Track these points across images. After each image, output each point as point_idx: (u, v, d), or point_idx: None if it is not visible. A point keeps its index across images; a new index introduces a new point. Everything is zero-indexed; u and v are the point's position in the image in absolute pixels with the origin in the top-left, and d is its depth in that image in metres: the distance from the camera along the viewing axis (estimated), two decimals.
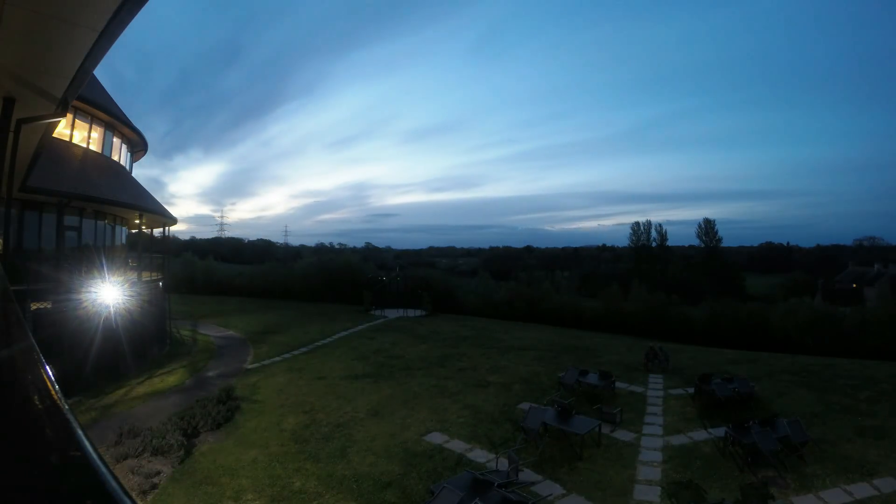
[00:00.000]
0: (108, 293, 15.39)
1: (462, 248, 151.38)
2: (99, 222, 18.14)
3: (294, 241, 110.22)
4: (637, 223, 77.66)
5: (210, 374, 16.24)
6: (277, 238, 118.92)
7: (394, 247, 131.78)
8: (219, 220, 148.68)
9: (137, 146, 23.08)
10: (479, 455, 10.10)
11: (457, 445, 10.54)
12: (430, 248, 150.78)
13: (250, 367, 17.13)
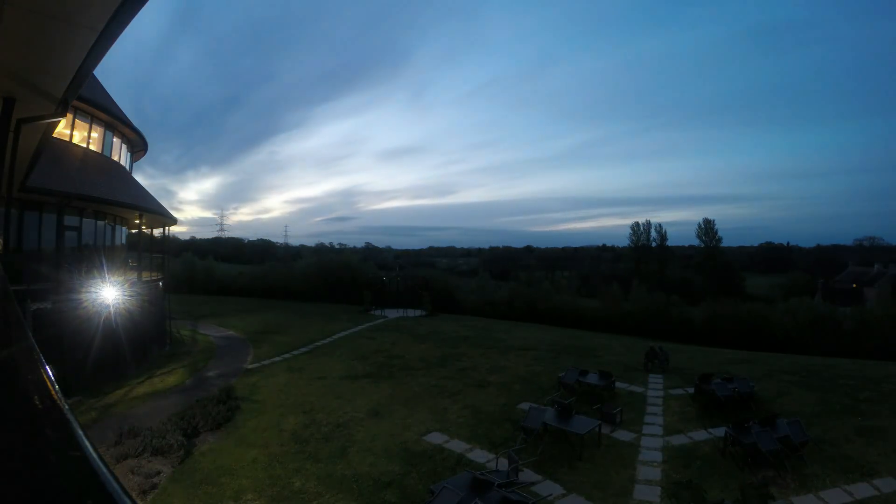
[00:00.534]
0: (108, 293, 15.39)
1: (462, 248, 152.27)
2: (99, 222, 18.13)
3: (293, 242, 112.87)
4: (637, 223, 77.60)
5: (210, 374, 16.24)
6: (277, 238, 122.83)
7: (393, 247, 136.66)
8: (219, 220, 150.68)
9: (137, 146, 23.08)
10: (479, 455, 10.10)
11: (457, 445, 10.54)
12: (430, 248, 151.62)
13: (250, 367, 17.13)
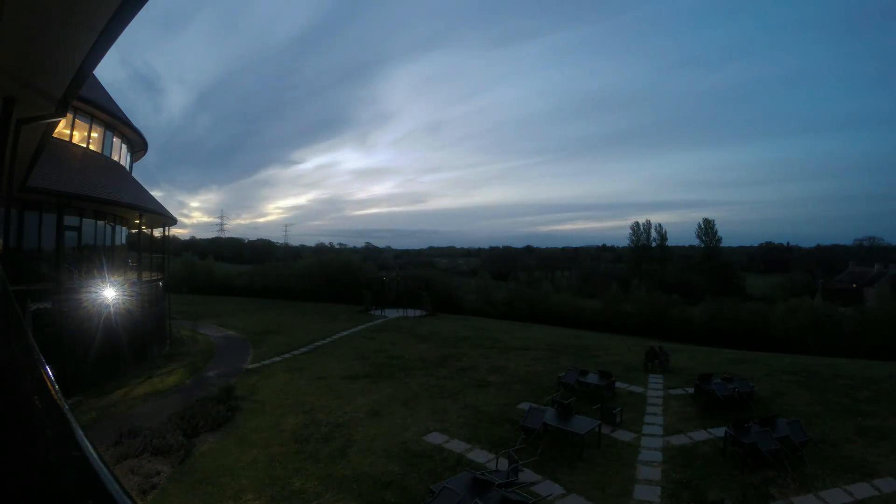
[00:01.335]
0: (108, 293, 15.39)
1: (462, 248, 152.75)
2: (99, 222, 18.13)
3: (293, 242, 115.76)
4: (637, 223, 77.61)
5: (210, 373, 16.24)
6: (277, 239, 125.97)
7: (394, 247, 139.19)
8: (219, 220, 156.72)
9: (137, 146, 23.08)
10: (479, 455, 10.10)
11: (457, 445, 10.54)
12: (430, 248, 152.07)
13: (250, 366, 17.14)
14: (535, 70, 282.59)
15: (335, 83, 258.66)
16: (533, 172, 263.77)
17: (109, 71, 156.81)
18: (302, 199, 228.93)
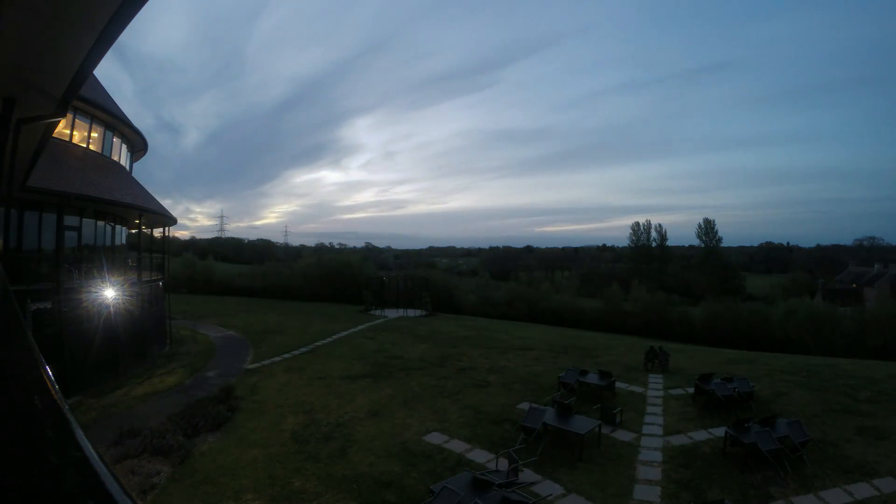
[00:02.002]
0: (108, 293, 15.40)
1: (462, 248, 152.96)
2: (99, 222, 18.13)
3: (293, 242, 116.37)
4: (637, 223, 77.76)
5: (210, 373, 16.24)
6: (276, 239, 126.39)
7: (394, 246, 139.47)
8: (218, 222, 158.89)
9: (137, 146, 23.08)
10: (479, 455, 10.10)
11: (457, 445, 10.54)
12: (431, 248, 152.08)
13: (250, 366, 17.13)
14: (453, 118, 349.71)
15: (311, 129, 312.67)
16: (494, 184, 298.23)
17: (142, 119, 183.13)
18: (294, 206, 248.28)
